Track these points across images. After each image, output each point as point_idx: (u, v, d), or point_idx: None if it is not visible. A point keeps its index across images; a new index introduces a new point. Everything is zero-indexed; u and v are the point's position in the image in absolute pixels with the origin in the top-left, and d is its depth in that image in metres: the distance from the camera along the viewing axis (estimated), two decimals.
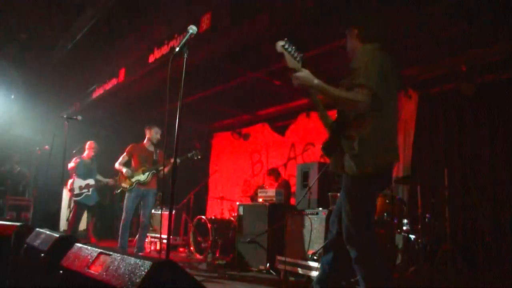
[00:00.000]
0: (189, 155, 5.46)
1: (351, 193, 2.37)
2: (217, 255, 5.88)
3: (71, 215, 6.73)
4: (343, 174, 2.42)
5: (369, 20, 2.57)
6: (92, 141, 6.86)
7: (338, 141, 2.43)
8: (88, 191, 6.55)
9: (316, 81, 2.33)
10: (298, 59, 2.38)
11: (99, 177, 6.67)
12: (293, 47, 2.36)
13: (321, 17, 4.35)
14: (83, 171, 6.61)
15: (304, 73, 2.35)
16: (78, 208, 6.59)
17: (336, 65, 5.50)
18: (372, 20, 2.58)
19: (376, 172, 2.29)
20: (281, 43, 2.33)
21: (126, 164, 5.56)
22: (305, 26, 4.43)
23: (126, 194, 5.41)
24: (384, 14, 2.68)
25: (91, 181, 6.57)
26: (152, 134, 5.57)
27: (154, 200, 5.64)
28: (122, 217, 5.33)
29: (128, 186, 5.39)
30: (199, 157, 5.42)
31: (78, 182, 6.54)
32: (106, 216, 8.87)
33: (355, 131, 2.33)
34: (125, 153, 5.58)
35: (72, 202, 6.76)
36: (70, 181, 6.58)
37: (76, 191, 6.49)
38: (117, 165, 5.57)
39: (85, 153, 6.76)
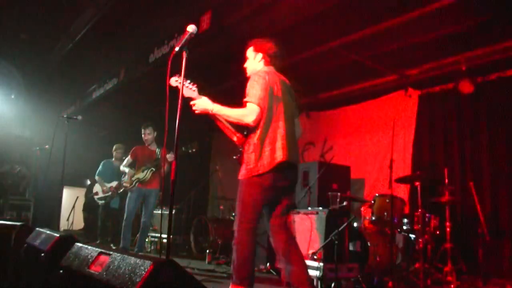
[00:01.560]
0: (183, 148, 5.45)
1: (239, 194, 2.58)
2: (217, 255, 5.88)
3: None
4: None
5: (274, 45, 2.82)
6: (119, 144, 6.96)
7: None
8: (112, 194, 6.62)
9: (211, 106, 2.63)
10: (193, 89, 2.69)
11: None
12: (186, 80, 2.64)
13: (318, 16, 4.36)
14: (109, 173, 6.70)
15: (201, 100, 2.66)
16: (102, 210, 6.73)
17: (332, 65, 5.52)
18: (275, 45, 2.83)
19: (261, 173, 2.50)
20: (174, 78, 2.67)
21: (131, 166, 5.60)
22: (302, 26, 4.43)
23: (128, 194, 5.43)
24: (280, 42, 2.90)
25: (114, 183, 6.63)
26: (143, 135, 5.59)
27: (156, 200, 5.64)
28: (124, 217, 5.34)
29: (129, 185, 5.41)
30: (194, 150, 5.39)
31: (102, 185, 6.65)
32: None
33: (251, 141, 2.60)
34: (129, 156, 5.63)
35: (100, 204, 6.86)
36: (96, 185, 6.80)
37: (100, 195, 6.62)
38: (121, 166, 5.65)
39: (114, 156, 6.85)
